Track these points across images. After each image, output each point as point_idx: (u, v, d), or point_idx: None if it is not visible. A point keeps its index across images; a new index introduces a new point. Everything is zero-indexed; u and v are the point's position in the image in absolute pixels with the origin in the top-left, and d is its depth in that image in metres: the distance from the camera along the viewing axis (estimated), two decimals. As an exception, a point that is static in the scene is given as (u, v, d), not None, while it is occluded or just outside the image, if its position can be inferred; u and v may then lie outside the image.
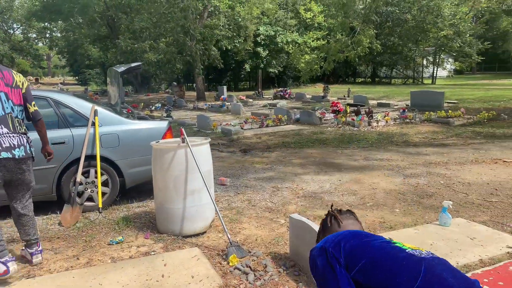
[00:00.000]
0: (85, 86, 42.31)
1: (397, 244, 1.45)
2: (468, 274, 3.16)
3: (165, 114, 15.61)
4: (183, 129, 4.14)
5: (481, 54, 35.32)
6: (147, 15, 21.45)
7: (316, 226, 3.19)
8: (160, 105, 19.91)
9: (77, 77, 54.06)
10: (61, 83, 47.52)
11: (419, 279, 1.24)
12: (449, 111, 12.93)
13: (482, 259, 3.43)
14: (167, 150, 4.02)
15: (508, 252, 3.53)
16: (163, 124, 5.36)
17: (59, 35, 44.44)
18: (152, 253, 3.68)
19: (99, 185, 4.78)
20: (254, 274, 3.23)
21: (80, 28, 35.27)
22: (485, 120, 11.76)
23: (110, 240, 3.96)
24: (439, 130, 10.77)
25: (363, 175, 6.41)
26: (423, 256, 1.36)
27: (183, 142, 4.03)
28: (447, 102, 16.08)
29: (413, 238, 3.85)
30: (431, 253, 1.42)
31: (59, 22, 37.00)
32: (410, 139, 9.72)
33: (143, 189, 5.70)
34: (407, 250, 1.40)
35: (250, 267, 3.34)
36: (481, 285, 1.30)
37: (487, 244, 3.70)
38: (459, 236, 3.89)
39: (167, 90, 36.45)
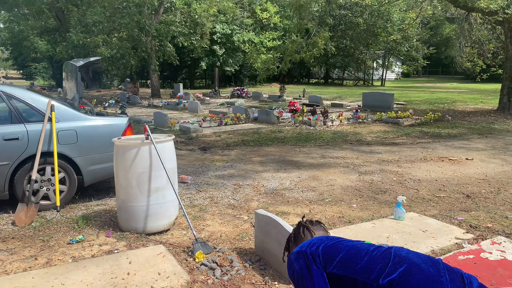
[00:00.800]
0: (31, 81, 40.13)
1: (366, 242, 1.64)
2: (422, 264, 3.38)
3: (119, 111, 15.19)
4: (147, 125, 4.09)
5: (426, 58, 37.24)
6: (100, 8, 20.71)
7: (281, 221, 3.28)
8: (113, 101, 19.32)
9: (21, 71, 51.11)
10: (3, 77, 44.78)
11: (390, 261, 1.37)
12: (399, 112, 13.58)
13: (433, 249, 3.68)
14: (130, 147, 3.96)
15: (456, 243, 3.81)
16: (123, 121, 5.25)
17: (1, 25, 41.81)
18: (116, 251, 3.62)
19: (57, 183, 4.61)
20: (221, 269, 3.28)
21: (26, 19, 33.39)
22: (432, 121, 12.46)
23: (70, 239, 3.84)
24: (390, 129, 11.29)
25: (321, 172, 6.62)
26: (389, 246, 1.52)
27: (147, 138, 3.99)
28: (396, 104, 16.85)
29: (370, 232, 4.05)
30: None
31: (2, 12, 34.83)
32: (363, 138, 10.11)
33: (101, 187, 5.56)
34: (375, 245, 1.58)
35: (216, 262, 3.38)
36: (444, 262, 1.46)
37: (437, 236, 3.97)
38: (412, 229, 4.14)
39: (119, 86, 35.39)
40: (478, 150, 8.44)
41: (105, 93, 27.65)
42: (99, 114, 5.66)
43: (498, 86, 15.99)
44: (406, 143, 9.41)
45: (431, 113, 13.11)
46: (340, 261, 1.47)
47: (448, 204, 5.01)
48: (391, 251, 1.48)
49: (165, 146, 4.08)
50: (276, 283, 3.11)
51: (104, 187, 5.62)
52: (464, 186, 5.79)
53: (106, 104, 18.43)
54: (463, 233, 4.06)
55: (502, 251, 3.58)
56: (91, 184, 5.11)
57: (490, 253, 3.56)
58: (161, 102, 19.85)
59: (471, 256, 3.50)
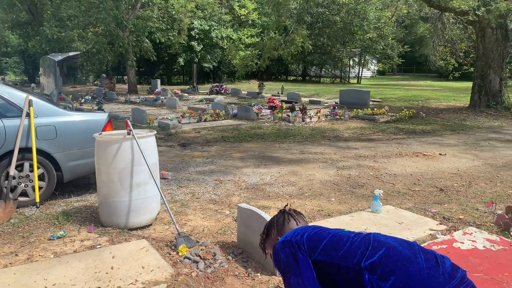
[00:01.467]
0: (2, 76, 38.91)
1: (346, 230, 1.73)
2: (398, 254, 3.53)
3: (96, 107, 14.95)
4: (128, 121, 4.09)
5: (401, 56, 38.06)
6: (75, 2, 20.26)
7: (264, 214, 3.36)
8: (89, 97, 18.99)
9: (-9, 66, 49.47)
10: (-29, 72, 43.27)
11: (370, 245, 1.47)
12: (375, 109, 13.87)
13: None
14: (111, 142, 3.95)
15: (430, 234, 3.98)
16: (103, 116, 5.22)
17: (-31, 18, 40.31)
18: (98, 246, 3.62)
19: (36, 179, 4.55)
20: (204, 262, 3.33)
21: (-4, 12, 32.31)
22: (406, 118, 12.79)
23: (51, 235, 3.81)
24: (366, 126, 11.53)
25: (300, 168, 6.73)
26: (368, 232, 1.62)
27: (129, 134, 3.99)
28: (372, 101, 17.20)
29: (349, 224, 4.18)
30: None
31: (-30, 4, 33.59)
32: (340, 134, 10.31)
33: (81, 184, 5.51)
34: (355, 232, 1.69)
35: (199, 256, 3.43)
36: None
37: (413, 227, 4.13)
38: (389, 221, 4.30)
39: (95, 82, 34.74)
40: (450, 146, 8.74)
41: (81, 89, 27.11)
42: (78, 110, 5.60)
43: (469, 84, 16.52)
44: (382, 139, 9.64)
45: (406, 110, 13.45)
46: (324, 248, 1.55)
47: (422, 197, 5.20)
48: (370, 237, 1.58)
49: (147, 141, 4.09)
50: (258, 274, 3.18)
51: (83, 183, 5.57)
52: (438, 180, 6.00)
53: (82, 100, 18.10)
54: (437, 224, 4.24)
55: (473, 241, 3.76)
56: (70, 181, 5.06)
57: (462, 242, 3.74)
58: (139, 98, 19.63)
59: (444, 246, 3.67)
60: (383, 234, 1.64)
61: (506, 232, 3.98)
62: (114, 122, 11.06)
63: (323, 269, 1.52)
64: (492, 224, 4.19)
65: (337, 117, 12.86)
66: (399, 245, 1.50)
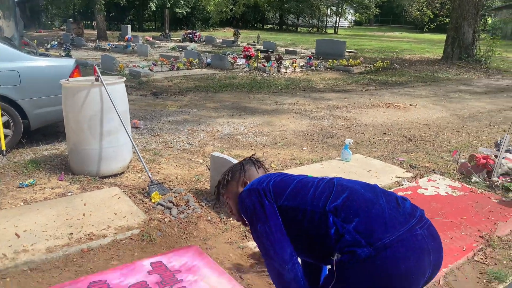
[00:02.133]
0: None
1: (309, 176, 1.77)
2: (365, 200, 3.67)
3: (63, 54, 14.29)
4: (96, 67, 3.93)
5: (378, 7, 37.58)
6: None
7: (235, 161, 3.38)
8: (56, 43, 18.08)
9: None
10: None
11: (334, 190, 1.52)
12: (350, 59, 13.84)
13: (376, 187, 3.97)
14: (79, 89, 3.82)
15: (397, 181, 4.14)
16: (70, 62, 5.00)
17: None
18: (69, 194, 3.60)
19: (0, 126, 4.39)
20: (177, 208, 3.37)
21: None
22: (380, 69, 12.86)
23: (20, 183, 3.75)
24: (341, 77, 11.55)
25: (274, 118, 6.75)
26: (331, 177, 1.67)
27: (97, 80, 3.85)
28: (348, 51, 17.11)
29: (319, 172, 4.28)
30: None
31: None
32: (315, 85, 10.30)
33: (49, 132, 5.36)
34: (319, 177, 1.72)
35: (172, 202, 3.47)
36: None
37: (380, 175, 4.27)
38: (358, 169, 4.42)
39: (62, 27, 32.95)
40: (421, 97, 8.91)
41: (46, 34, 25.69)
42: (43, 55, 5.33)
43: (443, 36, 16.60)
44: (356, 90, 9.71)
45: (380, 61, 13.49)
46: (290, 194, 1.59)
47: (391, 147, 5.35)
48: (334, 181, 1.63)
49: (116, 88, 3.97)
50: (231, 219, 3.26)
51: (52, 131, 5.42)
52: (407, 130, 6.16)
53: (48, 46, 17.23)
54: (403, 172, 4.40)
55: (436, 187, 3.94)
56: (38, 129, 4.91)
57: (426, 189, 3.91)
58: (109, 44, 18.85)
59: (409, 192, 3.83)
60: (345, 179, 1.68)
61: (468, 179, 4.18)
62: (82, 69, 10.63)
63: (289, 214, 1.56)
64: (455, 172, 4.38)
65: (313, 67, 12.79)
66: (361, 188, 1.55)
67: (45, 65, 4.77)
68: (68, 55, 13.72)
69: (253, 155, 2.02)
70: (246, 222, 1.72)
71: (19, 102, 4.55)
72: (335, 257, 1.40)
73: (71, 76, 4.77)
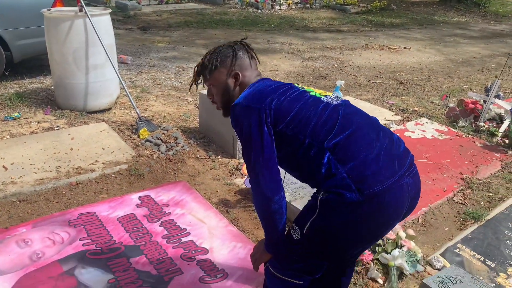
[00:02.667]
0: None
1: (312, 93, 1.54)
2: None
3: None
4: (79, -4, 3.72)
5: None
6: None
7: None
8: (37, -30, 16.99)
9: None
10: None
11: (337, 123, 1.41)
12: (347, -2, 13.33)
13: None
14: (62, 19, 3.65)
15: (385, 124, 4.15)
16: (52, -9, 4.73)
17: None
18: (56, 128, 3.56)
19: (-19, 57, 4.24)
20: (166, 145, 3.38)
21: None
22: (377, 10, 12.46)
23: (5, 116, 3.69)
24: (336, 16, 11.20)
25: (266, 57, 6.60)
26: (336, 103, 1.50)
27: (81, 11, 3.67)
28: (345, -10, 16.43)
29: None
30: (339, 98, 1.56)
31: None
32: (309, 24, 10.00)
33: (34, 65, 5.20)
34: (322, 99, 1.52)
35: (161, 139, 3.46)
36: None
37: (369, 117, 4.28)
38: (347, 111, 4.42)
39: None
40: (416, 40, 8.74)
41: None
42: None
43: (444, -24, 15.96)
44: (350, 31, 9.47)
45: (377, 1, 13.04)
46: (291, 120, 1.45)
47: (382, 90, 5.33)
48: (339, 111, 1.47)
49: (101, 20, 3.80)
50: (219, 157, 3.29)
51: (37, 64, 5.25)
52: (399, 74, 6.11)
53: (29, -26, 16.22)
54: (392, 115, 4.41)
55: (423, 131, 3.98)
56: (22, 61, 4.76)
57: (413, 132, 3.95)
58: (94, -26, 17.78)
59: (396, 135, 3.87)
60: (351, 106, 1.53)
61: (455, 123, 4.22)
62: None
63: (285, 140, 1.46)
64: (443, 116, 4.41)
65: (308, 5, 12.34)
66: (365, 125, 1.45)
67: (26, -7, 4.50)
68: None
69: (244, 39, 1.72)
70: (227, 114, 1.61)
71: (0, 33, 4.35)
72: (321, 195, 1.39)
73: (53, 6, 4.53)
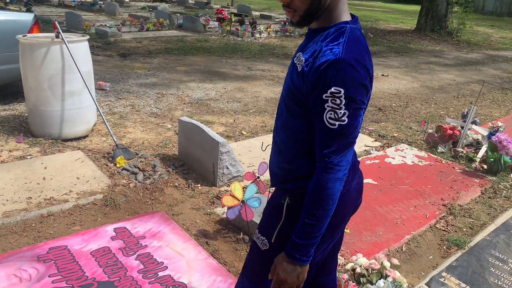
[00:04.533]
0: None
1: None
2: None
3: (24, 9, 13.41)
4: (56, 22, 3.67)
5: (355, -26, 37.01)
6: None
7: (206, 128, 3.30)
8: (16, -3, 16.92)
9: None
10: None
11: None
12: (325, 27, 13.66)
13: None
14: (38, 46, 3.57)
15: (365, 150, 4.17)
16: (29, 17, 4.67)
17: None
18: (29, 157, 3.43)
19: (-48, 84, 4.10)
20: (143, 174, 3.28)
21: None
22: (355, 38, 12.77)
23: (-26, 145, 3.54)
24: (315, 44, 11.41)
25: (247, 84, 6.63)
26: None
27: (58, 37, 3.61)
28: (323, 19, 16.89)
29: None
30: None
31: None
32: (289, 51, 10.15)
33: (7, 91, 5.06)
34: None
35: (138, 167, 3.37)
36: None
37: (350, 143, 4.29)
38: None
39: (23, -20, 30.86)
40: (393, 68, 8.95)
41: (5, -13, 24.04)
42: (0, 8, 4.95)
43: (418, 7, 16.61)
44: (329, 58, 9.63)
45: (355, 30, 13.40)
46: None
47: (362, 116, 5.37)
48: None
49: (79, 46, 3.75)
50: (199, 185, 3.20)
51: (11, 91, 5.12)
52: (378, 100, 6.20)
53: (8, 0, 16.13)
54: (372, 141, 4.43)
55: (403, 157, 4.00)
56: (-5, 87, 4.63)
57: (393, 158, 3.96)
58: (74, 1, 17.83)
59: (377, 161, 3.87)
60: None
61: (434, 149, 4.26)
62: (45, 26, 10.07)
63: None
64: (422, 142, 4.45)
65: (287, 33, 12.57)
66: None
67: (1, 19, 4.43)
68: (29, 11, 12.90)
69: None
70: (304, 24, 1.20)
71: (-27, 58, 4.24)
72: (286, 201, 1.30)
73: (30, 32, 4.47)
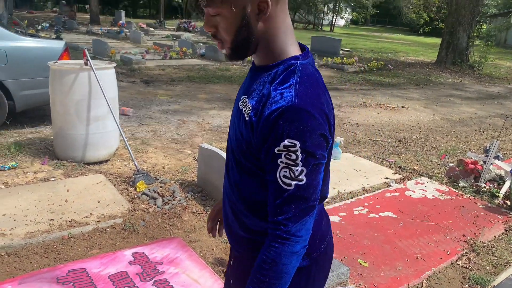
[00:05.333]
0: None
1: None
2: (353, 200, 3.65)
3: (54, 36, 14.01)
4: (86, 50, 3.84)
5: (375, 7, 37.62)
6: None
7: (225, 155, 3.33)
8: (47, 25, 17.73)
9: None
10: None
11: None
12: (344, 58, 13.81)
13: (364, 187, 3.96)
14: (68, 72, 3.72)
15: (385, 182, 4.13)
16: (60, 44, 4.89)
17: None
18: (52, 179, 3.52)
19: (-16, 106, 4.28)
20: (163, 199, 3.32)
21: None
22: (374, 69, 12.86)
23: (1, 166, 3.65)
24: (335, 75, 11.52)
25: (266, 112, 6.69)
26: None
27: (86, 64, 3.76)
28: (343, 50, 17.09)
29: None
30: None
31: None
32: (309, 81, 10.25)
33: (35, 115, 5.24)
34: None
35: (158, 192, 3.41)
36: None
37: (369, 175, 4.26)
38: (347, 168, 4.40)
39: (54, 9, 32.37)
40: (413, 100, 8.93)
41: (38, 15, 25.20)
42: (32, 36, 5.20)
43: (438, 40, 16.68)
44: (348, 89, 9.70)
45: (374, 61, 13.49)
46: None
47: (381, 147, 5.34)
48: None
49: (106, 73, 3.89)
50: (216, 213, 3.21)
51: (38, 114, 5.30)
52: (398, 132, 6.17)
53: (39, 27, 16.89)
54: (392, 173, 4.39)
55: (423, 190, 3.94)
56: (24, 111, 4.80)
57: (414, 191, 3.91)
58: (101, 29, 18.56)
59: (397, 194, 3.83)
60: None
61: (455, 183, 4.18)
62: (73, 53, 10.45)
63: None
64: (443, 176, 4.39)
65: (307, 64, 12.71)
66: None
67: (34, 46, 4.64)
68: (59, 38, 13.46)
69: None
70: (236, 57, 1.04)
71: (5, 83, 4.43)
72: None
73: (60, 59, 4.66)
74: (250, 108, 0.98)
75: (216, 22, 0.99)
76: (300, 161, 0.90)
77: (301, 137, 0.89)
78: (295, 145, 0.89)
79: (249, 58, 1.08)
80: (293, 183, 0.91)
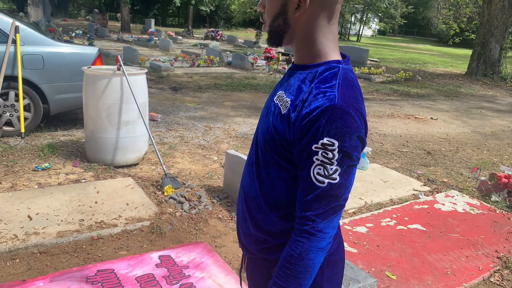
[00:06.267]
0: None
1: None
2: (380, 211, 3.59)
3: (87, 43, 14.46)
4: (119, 56, 3.94)
5: (404, 17, 37.19)
6: None
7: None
8: (80, 32, 18.33)
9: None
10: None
11: None
12: (372, 68, 13.69)
13: (392, 198, 3.89)
14: (101, 77, 3.83)
15: (413, 194, 4.04)
16: (93, 50, 5.03)
17: None
18: (83, 180, 3.61)
19: (21, 108, 4.44)
20: (189, 203, 3.35)
21: None
22: (402, 80, 12.68)
23: (35, 166, 3.77)
24: (362, 85, 11.41)
25: (292, 121, 6.68)
26: None
27: (119, 70, 3.86)
28: (370, 60, 16.95)
29: (335, 179, 4.21)
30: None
31: None
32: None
33: (68, 118, 5.41)
34: None
35: (185, 197, 3.44)
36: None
37: (397, 186, 4.18)
38: (374, 178, 4.34)
39: (87, 17, 33.44)
40: (442, 111, 8.74)
41: (72, 23, 26.11)
42: (67, 42, 5.39)
43: (468, 51, 16.31)
44: (376, 99, 9.58)
45: (402, 72, 13.30)
46: None
47: (409, 159, 5.24)
48: None
49: (137, 79, 3.97)
50: (242, 219, 3.22)
51: (71, 118, 5.47)
52: (426, 143, 6.04)
53: (73, 34, 17.48)
54: (421, 185, 4.29)
55: (453, 203, 3.84)
56: (57, 114, 4.96)
57: (443, 204, 3.81)
58: (131, 37, 19.04)
59: (426, 206, 3.74)
60: None
61: (487, 197, 4.06)
62: (104, 59, 10.75)
63: None
64: (474, 189, 4.26)
65: (333, 73, 12.66)
66: None
67: (69, 51, 4.80)
68: (91, 45, 13.89)
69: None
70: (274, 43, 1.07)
71: (41, 87, 4.59)
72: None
73: (93, 64, 4.80)
74: (289, 102, 0.99)
75: (265, 2, 1.06)
76: (336, 160, 0.91)
77: (340, 137, 0.90)
78: (333, 144, 0.91)
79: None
80: (326, 181, 0.93)
